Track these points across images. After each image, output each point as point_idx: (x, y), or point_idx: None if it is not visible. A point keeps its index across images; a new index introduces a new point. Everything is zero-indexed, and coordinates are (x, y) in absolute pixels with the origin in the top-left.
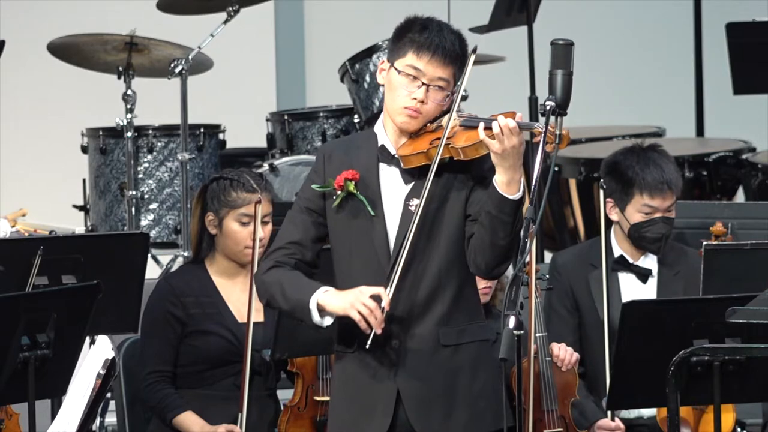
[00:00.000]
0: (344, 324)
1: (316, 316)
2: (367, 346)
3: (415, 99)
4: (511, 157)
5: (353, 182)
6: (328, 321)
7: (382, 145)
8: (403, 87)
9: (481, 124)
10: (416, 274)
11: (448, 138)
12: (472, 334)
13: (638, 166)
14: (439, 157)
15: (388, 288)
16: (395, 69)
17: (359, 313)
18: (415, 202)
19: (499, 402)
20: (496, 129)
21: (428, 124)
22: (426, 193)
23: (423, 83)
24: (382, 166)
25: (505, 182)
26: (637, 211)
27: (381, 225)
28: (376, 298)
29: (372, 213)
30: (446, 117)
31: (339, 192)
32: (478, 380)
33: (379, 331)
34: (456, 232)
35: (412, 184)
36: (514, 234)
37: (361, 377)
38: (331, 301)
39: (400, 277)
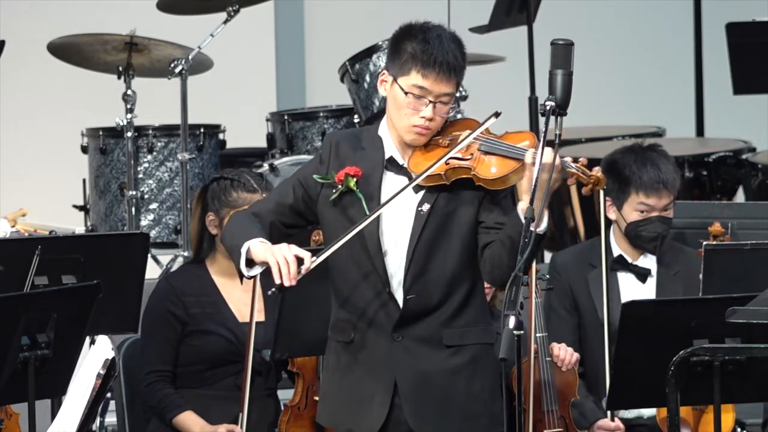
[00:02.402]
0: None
1: (242, 261)
2: (269, 293)
3: (423, 117)
4: (539, 189)
5: (354, 179)
6: (254, 272)
7: (391, 157)
8: (410, 106)
9: (530, 153)
10: (429, 277)
11: (469, 161)
12: (476, 337)
13: (635, 165)
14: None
15: (317, 257)
16: (400, 87)
17: (277, 261)
18: (426, 206)
19: (497, 406)
20: (528, 160)
21: (439, 138)
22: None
23: (430, 101)
24: (389, 174)
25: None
26: (633, 209)
27: (373, 225)
28: (299, 258)
29: (367, 212)
30: (463, 134)
31: (339, 186)
32: (476, 382)
33: (287, 284)
34: (469, 236)
35: (422, 191)
36: (534, 256)
37: (357, 367)
38: (258, 248)
39: (407, 279)
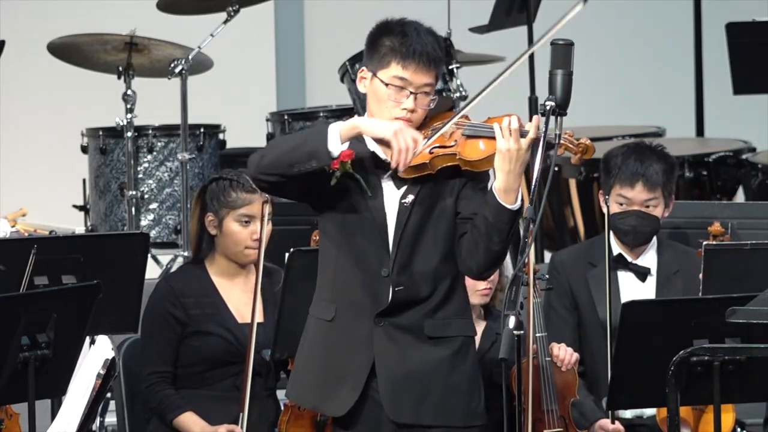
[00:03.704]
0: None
1: (333, 139)
2: (385, 178)
3: (405, 109)
4: (514, 161)
5: (349, 161)
6: (343, 147)
7: (373, 152)
8: (391, 98)
9: (497, 124)
10: (415, 269)
11: (453, 147)
12: (459, 329)
13: (621, 157)
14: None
15: (425, 141)
16: (380, 80)
17: (399, 144)
18: (410, 198)
19: (475, 400)
20: (505, 123)
21: (421, 131)
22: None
23: (411, 92)
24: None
25: (503, 189)
26: (614, 201)
27: (380, 204)
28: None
29: (368, 192)
30: (442, 122)
31: (335, 171)
32: (454, 374)
33: (401, 170)
34: (451, 227)
35: (405, 185)
36: (508, 240)
37: (335, 346)
38: (368, 122)
39: (397, 271)
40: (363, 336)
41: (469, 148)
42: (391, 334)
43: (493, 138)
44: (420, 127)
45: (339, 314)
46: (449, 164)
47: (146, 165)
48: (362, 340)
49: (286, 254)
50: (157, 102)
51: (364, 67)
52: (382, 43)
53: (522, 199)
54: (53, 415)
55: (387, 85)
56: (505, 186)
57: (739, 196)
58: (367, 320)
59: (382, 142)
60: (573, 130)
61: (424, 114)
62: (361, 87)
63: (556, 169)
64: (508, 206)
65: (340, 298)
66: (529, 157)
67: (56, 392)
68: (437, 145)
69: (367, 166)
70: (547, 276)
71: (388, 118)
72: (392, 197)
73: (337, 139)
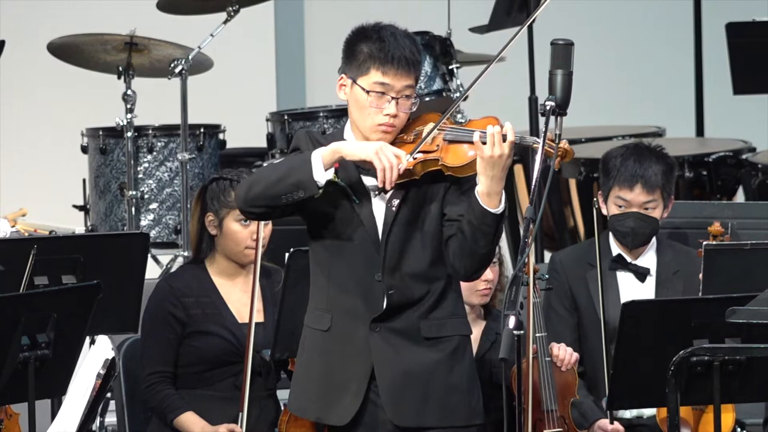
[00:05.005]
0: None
1: (317, 168)
2: (375, 195)
3: (388, 115)
4: (497, 167)
5: (334, 171)
6: (329, 174)
7: None
8: (373, 105)
9: (477, 133)
10: (405, 271)
11: (435, 153)
12: (454, 328)
13: (620, 159)
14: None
15: (409, 155)
16: (361, 88)
17: (383, 166)
18: (396, 201)
19: (475, 398)
20: (490, 131)
21: (404, 135)
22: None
23: (392, 97)
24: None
25: (486, 193)
26: (613, 203)
27: (368, 210)
28: (397, 158)
29: (357, 201)
30: (426, 128)
31: None
32: (454, 374)
33: (388, 188)
34: (439, 229)
35: (391, 189)
36: (494, 243)
37: (333, 355)
38: (349, 146)
39: (388, 274)
40: (360, 343)
41: (451, 154)
42: (387, 338)
43: (473, 143)
44: (402, 132)
45: (335, 323)
46: (432, 169)
47: (146, 165)
48: (360, 347)
49: (286, 254)
50: (157, 102)
51: (343, 75)
52: (360, 49)
53: (505, 204)
54: (53, 415)
55: (368, 92)
56: (488, 190)
57: (739, 196)
58: (363, 326)
59: (365, 163)
60: (573, 131)
61: (407, 117)
62: (341, 94)
63: (557, 169)
64: (492, 210)
65: (335, 307)
66: (511, 162)
67: (56, 392)
68: (420, 150)
69: (351, 173)
70: (547, 276)
71: (371, 124)
72: (379, 201)
73: (320, 167)
